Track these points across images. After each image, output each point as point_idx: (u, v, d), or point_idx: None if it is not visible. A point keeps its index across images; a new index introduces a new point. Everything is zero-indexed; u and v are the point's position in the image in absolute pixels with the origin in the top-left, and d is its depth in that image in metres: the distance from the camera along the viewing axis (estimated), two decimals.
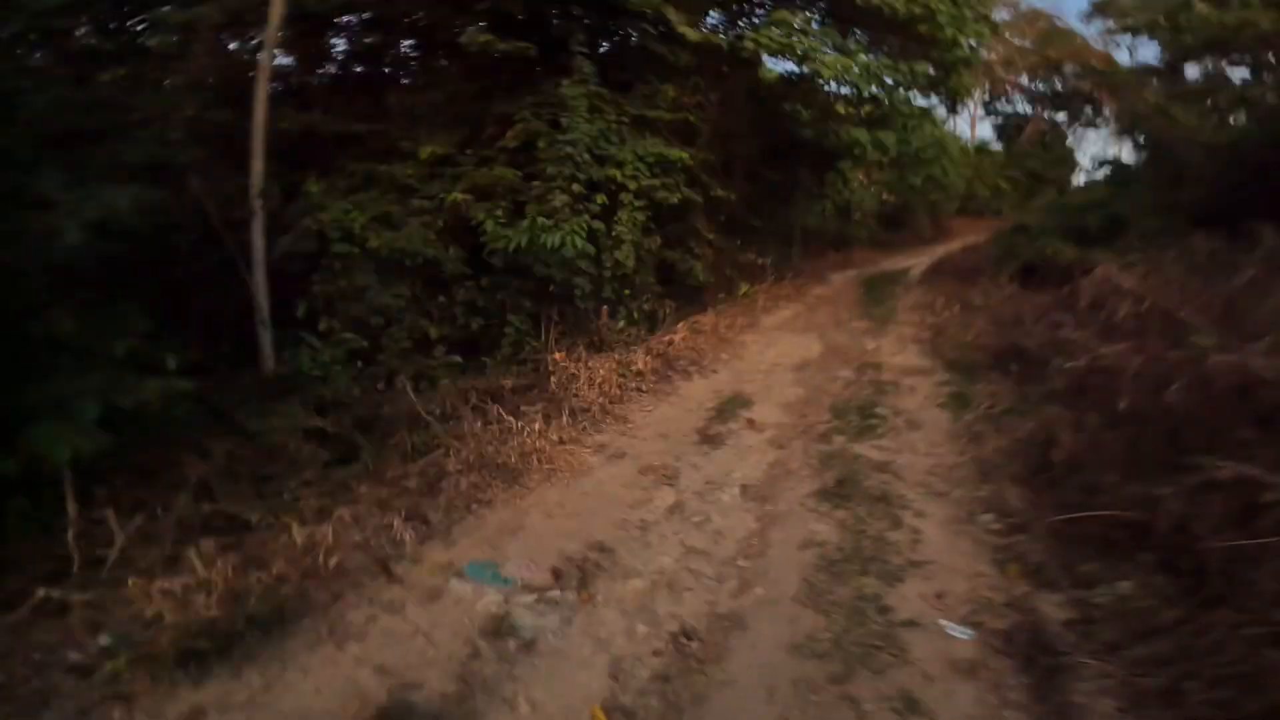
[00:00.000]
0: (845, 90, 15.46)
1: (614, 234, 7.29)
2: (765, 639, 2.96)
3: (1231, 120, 10.91)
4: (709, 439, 5.17)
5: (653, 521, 4.06)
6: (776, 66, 15.68)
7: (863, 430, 5.30)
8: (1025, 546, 3.61)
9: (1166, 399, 2.99)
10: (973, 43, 11.21)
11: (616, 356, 6.39)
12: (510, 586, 3.30)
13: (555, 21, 7.18)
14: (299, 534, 3.53)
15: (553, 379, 5.93)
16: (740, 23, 13.78)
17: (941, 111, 15.30)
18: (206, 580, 3.01)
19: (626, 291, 7.94)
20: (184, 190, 6.00)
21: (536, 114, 6.97)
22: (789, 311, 10.15)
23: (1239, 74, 12.28)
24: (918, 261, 21.65)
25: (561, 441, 4.94)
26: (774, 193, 16.42)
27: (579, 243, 6.12)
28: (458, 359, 6.75)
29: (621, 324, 7.51)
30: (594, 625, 3.04)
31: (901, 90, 10.03)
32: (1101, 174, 23.24)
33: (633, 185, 7.36)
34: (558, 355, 6.27)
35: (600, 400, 5.58)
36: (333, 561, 3.38)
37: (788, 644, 2.89)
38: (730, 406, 5.81)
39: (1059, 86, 38.24)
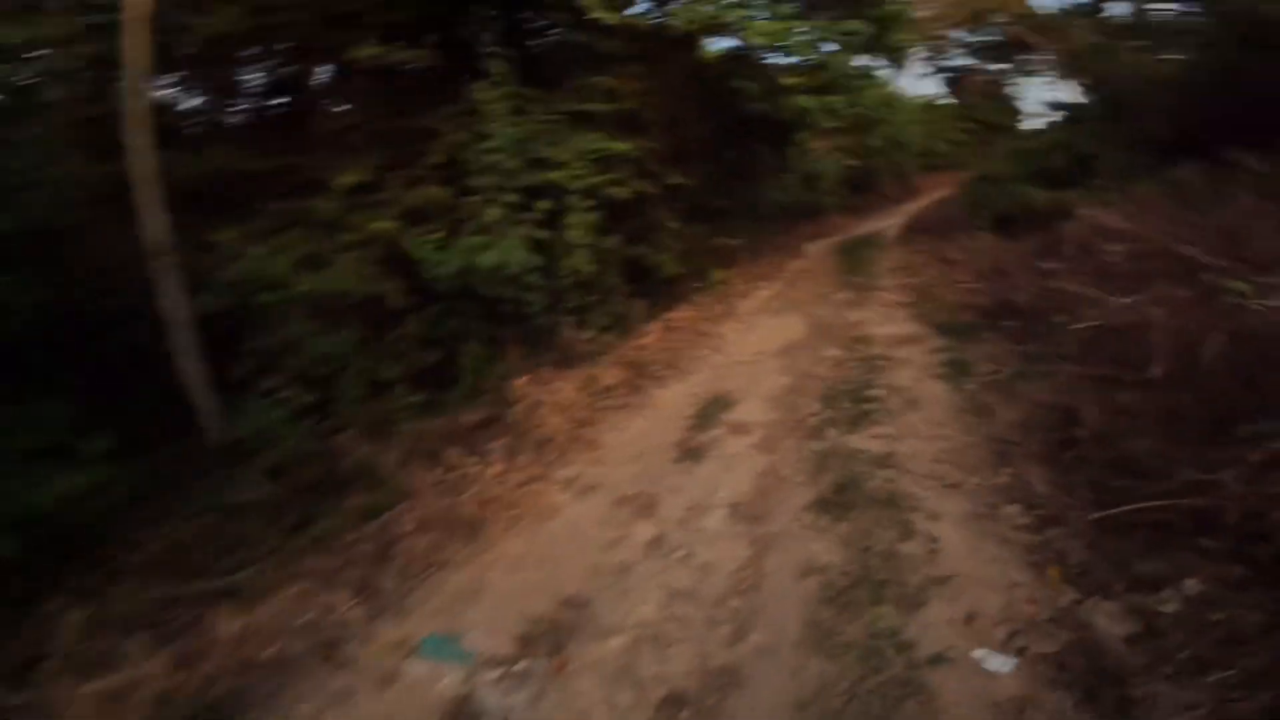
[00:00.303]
0: (788, 60, 15.09)
1: (566, 239, 6.75)
2: (767, 698, 2.54)
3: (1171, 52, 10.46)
4: (690, 453, 4.66)
5: (631, 563, 3.58)
6: (717, 45, 15.28)
7: (858, 418, 4.82)
8: (1064, 543, 3.14)
9: (1204, 359, 2.52)
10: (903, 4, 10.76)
11: (584, 373, 5.87)
12: (472, 662, 2.91)
13: (461, 25, 6.60)
14: (239, 620, 3.21)
15: (516, 408, 5.41)
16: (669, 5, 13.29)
17: (887, 72, 14.70)
18: (136, 680, 2.77)
19: (591, 298, 7.42)
20: (82, 256, 5.47)
21: (459, 125, 6.41)
22: (767, 292, 9.65)
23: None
24: (891, 222, 21.27)
25: (525, 481, 4.44)
26: (736, 172, 15.91)
27: (520, 256, 5.57)
28: (419, 398, 6.23)
29: (590, 333, 6.99)
30: (569, 698, 2.66)
31: (843, 53, 9.51)
32: (1050, 117, 23.13)
33: (578, 185, 6.81)
34: (520, 381, 5.75)
35: (567, 427, 5.06)
36: (275, 649, 3.05)
37: (794, 701, 2.48)
38: (711, 410, 5.30)
39: (990, 37, 38.17)
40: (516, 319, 6.28)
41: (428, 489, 4.47)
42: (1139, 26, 11.23)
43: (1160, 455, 2.68)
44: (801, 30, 8.29)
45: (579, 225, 6.81)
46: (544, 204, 6.37)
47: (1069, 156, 10.25)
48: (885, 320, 7.16)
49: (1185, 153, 9.36)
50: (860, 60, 10.55)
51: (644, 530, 3.87)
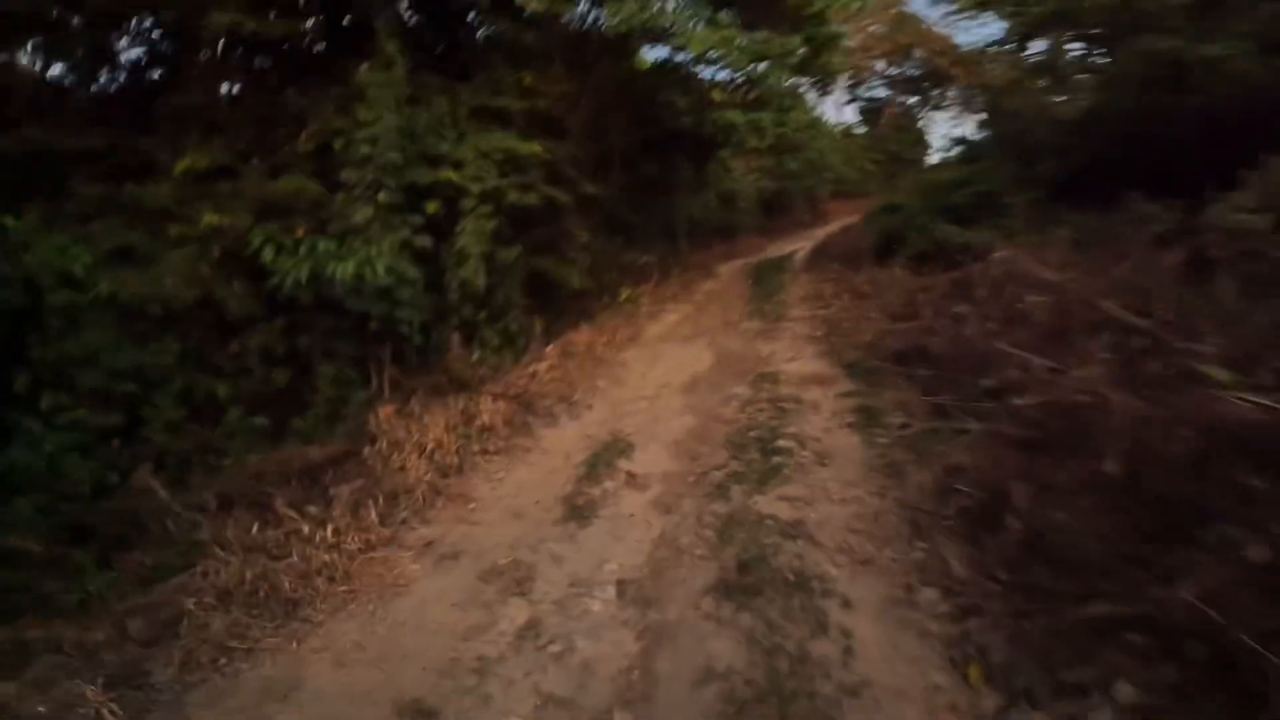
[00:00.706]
0: (721, 75, 14.93)
1: (459, 247, 5.98)
2: None
3: (1078, 93, 10.99)
4: (577, 512, 4.03)
5: (496, 658, 2.93)
6: (651, 55, 14.94)
7: (766, 474, 4.35)
8: (985, 637, 2.77)
9: (1169, 452, 2.18)
10: (840, 28, 10.76)
11: (462, 405, 5.10)
12: None
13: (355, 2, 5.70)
14: None
15: (376, 445, 4.58)
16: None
17: (814, 95, 14.84)
18: None
19: (482, 314, 6.66)
20: None
21: (340, 111, 5.51)
22: (676, 315, 9.20)
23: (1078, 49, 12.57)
24: (800, 245, 21.63)
25: (370, 545, 3.65)
26: (655, 186, 15.54)
27: (379, 269, 4.73)
28: (261, 421, 5.26)
29: (479, 354, 6.22)
30: None
31: (775, 72, 9.29)
32: (954, 152, 24.61)
33: (476, 188, 6.07)
34: (385, 410, 4.92)
35: (431, 474, 4.29)
36: None
37: None
38: (606, 456, 4.69)
39: (910, 71, 40.56)
40: (388, 337, 5.43)
41: (240, 546, 3.60)
42: (1048, 66, 11.70)
43: (1100, 550, 2.33)
44: (740, 43, 7.92)
45: (474, 232, 6.06)
46: (433, 206, 5.57)
47: (971, 193, 10.54)
48: (795, 355, 6.83)
49: (1085, 196, 9.78)
50: (791, 81, 10.36)
51: (515, 613, 3.21)
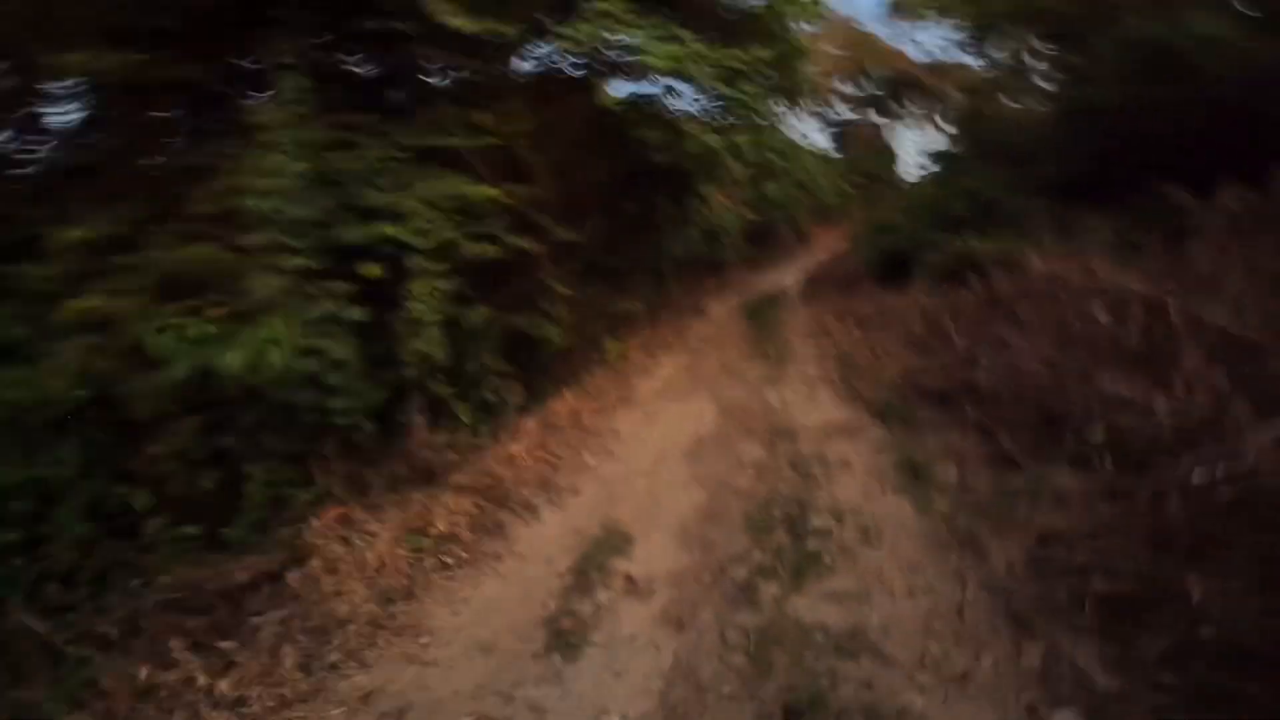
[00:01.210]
0: (693, 105, 14.48)
1: (410, 316, 5.14)
2: None
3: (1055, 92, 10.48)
4: (563, 639, 3.08)
5: None
6: (618, 90, 14.52)
7: (802, 564, 3.43)
8: None
9: None
10: (803, 26, 10.27)
11: (420, 505, 4.18)
12: None
13: (251, 34, 4.96)
14: None
15: (306, 565, 3.65)
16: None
17: (786, 115, 14.34)
18: None
19: (449, 389, 5.78)
20: None
21: (244, 162, 4.71)
22: (670, 365, 8.34)
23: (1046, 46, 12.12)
24: (790, 274, 21.04)
25: (283, 703, 2.70)
26: (635, 227, 14.89)
27: (282, 354, 3.84)
28: (194, 530, 4.32)
29: (446, 436, 5.32)
30: None
31: (748, 89, 8.69)
32: (931, 166, 24.42)
33: (424, 243, 5.26)
34: (322, 518, 4.00)
35: (372, 602, 3.34)
36: None
37: None
38: (598, 556, 3.76)
39: (871, 89, 41.01)
40: (332, 427, 4.54)
41: (131, 692, 2.66)
42: (1014, 67, 11.19)
43: None
44: (706, 55, 7.31)
45: (427, 295, 5.23)
46: (372, 269, 4.75)
47: (970, 201, 9.87)
48: (810, 402, 5.97)
49: (1092, 196, 9.12)
50: (766, 99, 9.77)
51: None
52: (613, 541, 3.90)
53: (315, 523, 3.96)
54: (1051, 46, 10.31)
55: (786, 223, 28.45)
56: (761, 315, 11.88)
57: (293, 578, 3.59)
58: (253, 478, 4.36)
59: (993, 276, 5.76)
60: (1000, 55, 12.53)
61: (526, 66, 11.71)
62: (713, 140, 8.77)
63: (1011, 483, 3.61)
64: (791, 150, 28.48)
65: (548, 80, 12.27)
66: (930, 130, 41.06)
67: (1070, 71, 9.71)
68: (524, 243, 7.38)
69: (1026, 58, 11.34)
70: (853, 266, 18.33)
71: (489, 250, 6.00)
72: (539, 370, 8.01)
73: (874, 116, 42.50)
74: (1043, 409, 3.81)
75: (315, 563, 3.60)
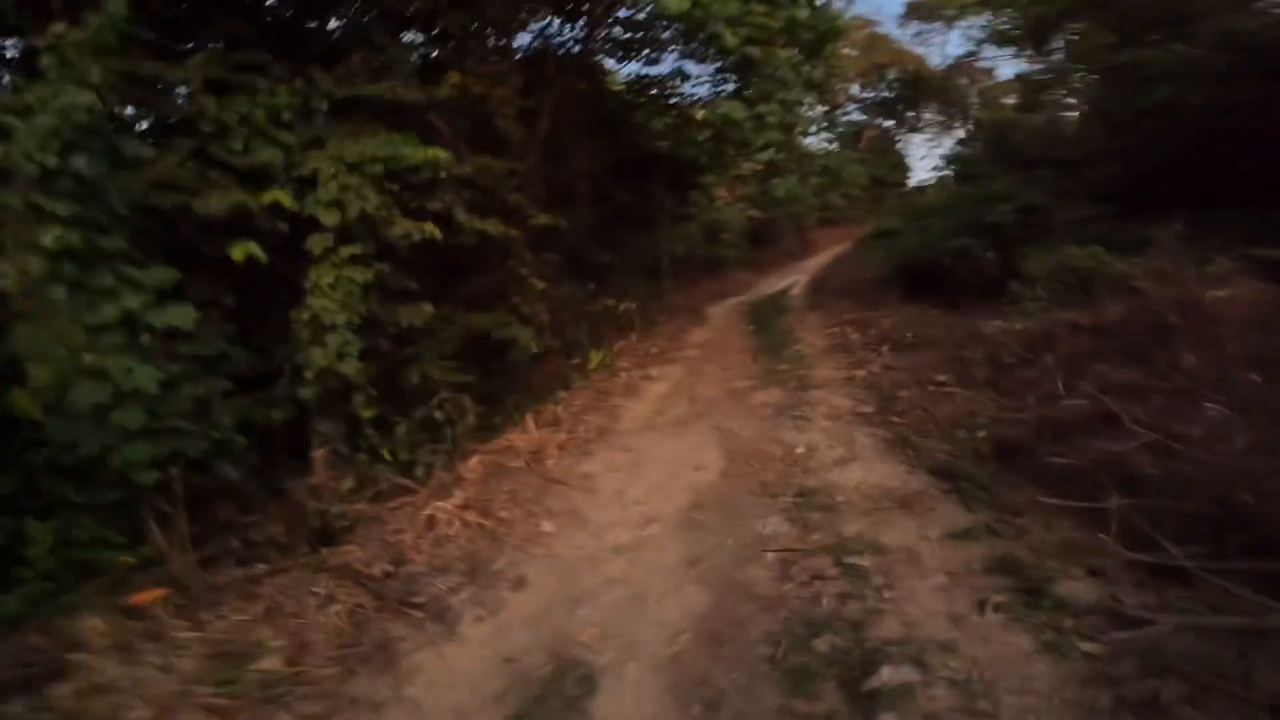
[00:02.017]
0: (703, 86, 13.06)
1: (307, 316, 3.73)
2: None
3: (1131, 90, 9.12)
4: None
5: None
6: (623, 71, 13.16)
7: None
8: None
9: None
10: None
11: (266, 601, 2.76)
12: None
13: None
14: None
15: (80, 673, 2.24)
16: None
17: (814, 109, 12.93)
18: None
19: (371, 411, 4.38)
20: None
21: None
22: (663, 383, 6.92)
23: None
24: (794, 279, 19.67)
25: None
26: (631, 218, 13.50)
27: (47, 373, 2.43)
28: None
29: (350, 484, 3.91)
30: None
31: (774, 58, 7.32)
32: (954, 170, 23.07)
33: (335, 218, 3.84)
34: (133, 598, 2.59)
35: None
36: None
37: None
38: (541, 715, 2.36)
39: (884, 93, 39.74)
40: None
41: None
42: (1073, 64, 9.81)
43: None
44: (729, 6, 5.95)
45: (337, 289, 3.82)
46: (241, 250, 3.33)
47: (1018, 210, 8.52)
48: (844, 449, 4.57)
49: (1152, 202, 7.79)
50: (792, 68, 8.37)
51: None
52: (564, 687, 2.50)
53: (110, 607, 2.54)
54: (1119, 43, 8.95)
55: (791, 224, 27.11)
56: (768, 324, 10.50)
57: (58, 692, 2.19)
58: (37, 534, 2.92)
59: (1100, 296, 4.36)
60: (1056, 52, 11.23)
61: (526, 39, 10.48)
62: (736, 110, 7.32)
63: (1190, 612, 2.25)
64: (802, 147, 27.20)
65: (547, 54, 10.96)
66: (944, 136, 40.00)
67: (1142, 69, 8.34)
68: (491, 226, 5.97)
69: (1084, 55, 9.89)
70: (863, 273, 17.02)
71: (431, 231, 4.57)
72: (503, 383, 6.61)
73: (884, 120, 41.38)
74: (1230, 501, 2.47)
75: (87, 673, 2.19)
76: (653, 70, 13.20)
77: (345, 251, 3.81)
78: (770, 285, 18.68)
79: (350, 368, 3.81)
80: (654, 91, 13.27)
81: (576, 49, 11.66)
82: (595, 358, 7.16)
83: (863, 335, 8.02)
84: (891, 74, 35.95)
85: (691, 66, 12.85)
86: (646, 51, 12.59)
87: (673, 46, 12.52)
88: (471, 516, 3.61)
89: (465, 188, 6.28)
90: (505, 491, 4.07)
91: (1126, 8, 8.91)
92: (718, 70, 12.68)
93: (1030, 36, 11.21)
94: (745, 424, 5.34)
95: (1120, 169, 8.26)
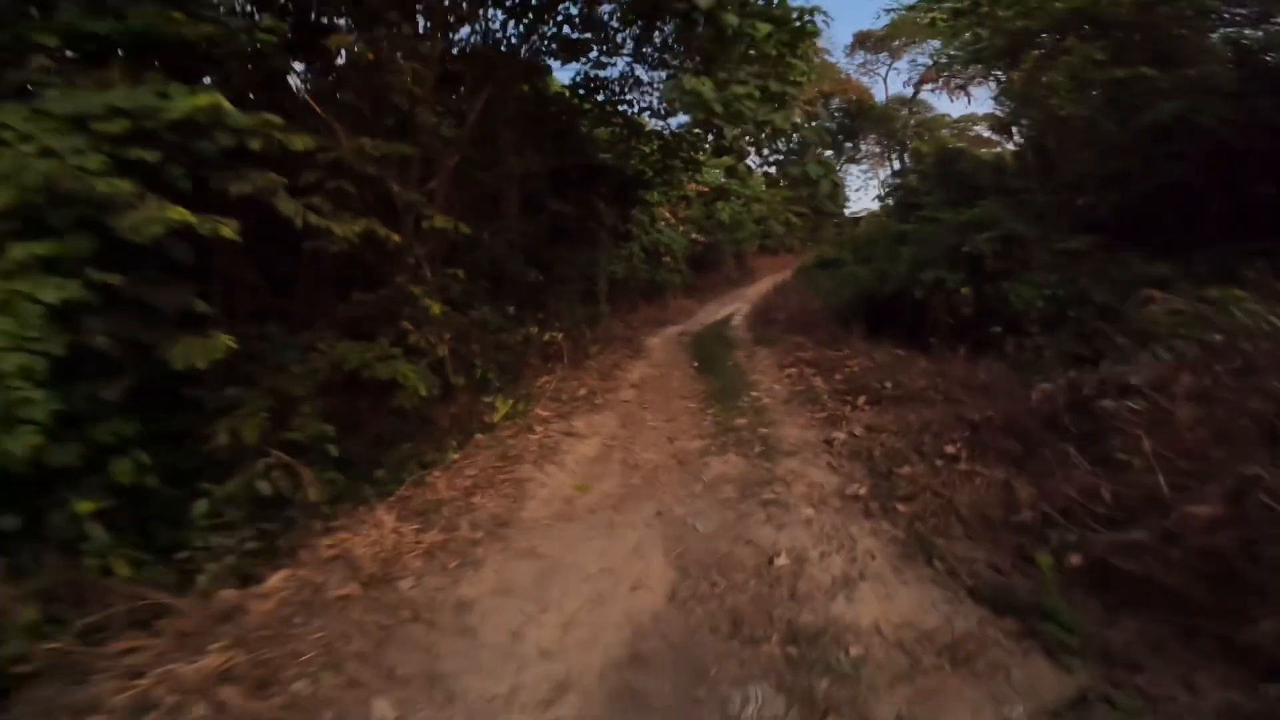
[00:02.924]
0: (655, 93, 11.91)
1: None
2: None
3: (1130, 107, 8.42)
4: None
5: None
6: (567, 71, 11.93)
7: None
8: None
9: None
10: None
11: None
12: None
13: None
14: None
15: None
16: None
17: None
18: None
19: (84, 506, 2.74)
20: None
21: None
22: (590, 443, 5.39)
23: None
24: (735, 307, 18.70)
25: None
26: (569, 233, 12.07)
27: None
28: None
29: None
30: None
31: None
32: (888, 198, 22.82)
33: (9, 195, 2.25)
34: None
35: None
36: None
37: None
38: None
39: (828, 123, 40.18)
40: None
41: None
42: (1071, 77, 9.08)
43: None
44: None
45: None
46: None
47: (995, 238, 7.60)
48: (844, 558, 3.23)
49: (1152, 234, 7.00)
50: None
51: None
52: None
53: None
54: (1112, 60, 8.25)
55: (732, 250, 26.32)
56: (714, 360, 9.23)
57: None
58: None
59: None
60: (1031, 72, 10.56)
61: (464, 32, 9.11)
62: (700, 85, 6.06)
63: None
64: (745, 170, 26.62)
65: (485, 49, 9.62)
66: (880, 168, 40.66)
67: (1142, 85, 7.59)
68: (356, 227, 4.43)
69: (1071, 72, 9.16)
70: (809, 303, 16.18)
71: (215, 229, 2.99)
72: (379, 441, 5.00)
73: (824, 150, 41.79)
74: None
75: None
76: (601, 73, 11.95)
77: (18, 252, 2.21)
78: (711, 313, 17.61)
79: (21, 442, 2.21)
80: (600, 97, 12.02)
81: (518, 44, 10.35)
82: (504, 406, 5.63)
83: (828, 381, 6.83)
84: (835, 103, 36.33)
85: (643, 72, 11.74)
86: (595, 54, 11.40)
87: (625, 51, 11.39)
88: (232, 696, 2.04)
89: (339, 175, 4.73)
90: (313, 641, 2.49)
91: (1122, 21, 8.24)
92: (671, 76, 11.64)
93: (1004, 54, 10.57)
94: (701, 510, 3.93)
95: (1114, 195, 7.46)
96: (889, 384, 5.98)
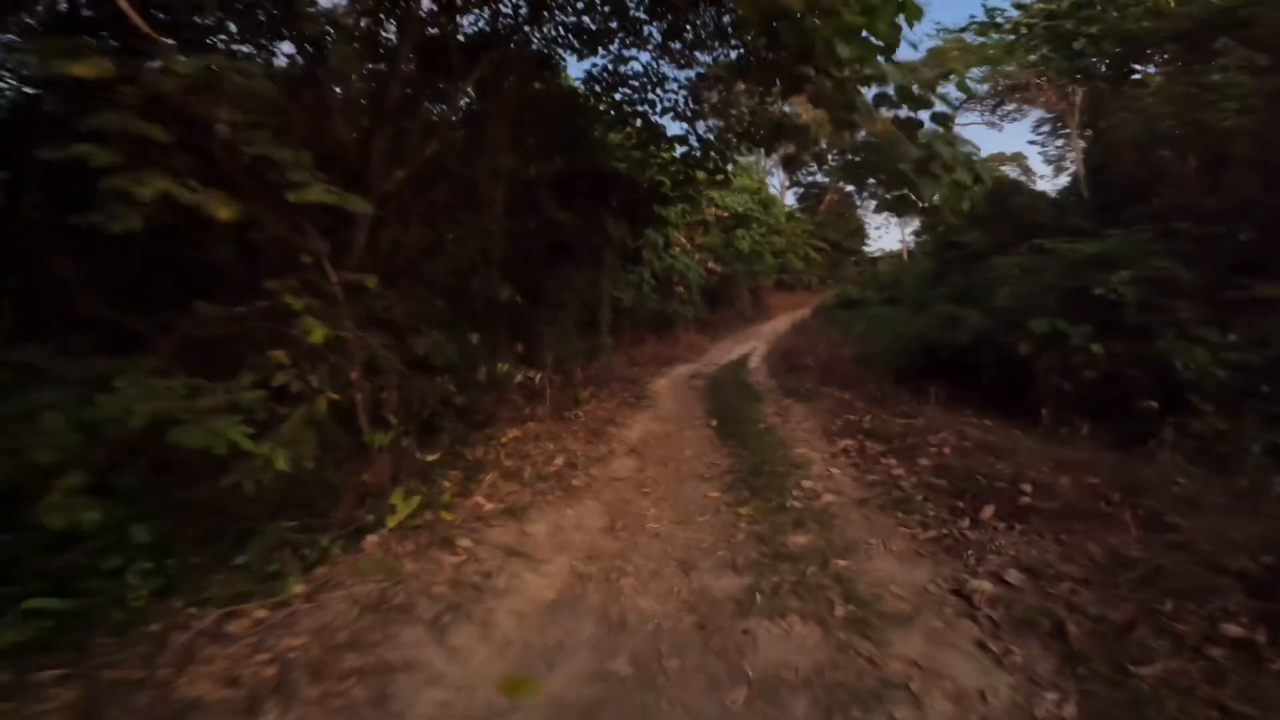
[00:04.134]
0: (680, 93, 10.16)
1: None
2: None
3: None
4: None
5: None
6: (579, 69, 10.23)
7: None
8: None
9: None
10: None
11: None
12: None
13: None
14: None
15: None
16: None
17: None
18: None
19: None
20: None
21: None
22: (551, 568, 3.25)
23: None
24: (750, 346, 16.71)
25: None
26: (570, 248, 10.10)
27: None
28: None
29: None
30: None
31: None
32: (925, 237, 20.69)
33: None
34: None
35: None
36: None
37: None
38: None
39: (853, 156, 38.61)
40: None
41: None
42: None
43: None
44: None
45: None
46: None
47: (1137, 281, 5.51)
48: None
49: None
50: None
51: None
52: None
53: None
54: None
55: (747, 282, 24.35)
56: (739, 414, 7.16)
57: None
58: None
59: None
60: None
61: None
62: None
63: None
64: (769, 197, 24.88)
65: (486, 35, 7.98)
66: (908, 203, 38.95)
67: None
68: (147, 187, 2.44)
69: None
70: (835, 349, 14.16)
71: None
72: (196, 539, 2.96)
73: (845, 185, 40.20)
74: None
75: None
76: (621, 69, 10.19)
77: None
78: (725, 352, 15.62)
79: None
80: (618, 95, 10.23)
81: (528, 31, 8.67)
82: (402, 504, 3.50)
83: (909, 467, 4.77)
84: (861, 135, 34.81)
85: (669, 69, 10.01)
86: (616, 47, 9.71)
87: (650, 45, 9.65)
88: None
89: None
90: None
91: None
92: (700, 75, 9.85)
93: (1118, 61, 8.69)
94: None
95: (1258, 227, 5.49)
96: (1025, 485, 3.91)
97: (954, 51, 17.06)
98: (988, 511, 3.70)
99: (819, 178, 38.44)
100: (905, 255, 32.58)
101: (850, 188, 39.12)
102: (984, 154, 31.34)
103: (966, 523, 3.65)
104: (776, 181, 34.40)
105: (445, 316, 5.79)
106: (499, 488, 4.15)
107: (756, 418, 7.06)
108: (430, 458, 4.62)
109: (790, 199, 36.00)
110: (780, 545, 3.49)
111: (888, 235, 72.84)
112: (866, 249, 38.63)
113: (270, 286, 3.46)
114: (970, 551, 3.26)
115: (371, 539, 3.28)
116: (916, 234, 28.40)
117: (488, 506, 3.81)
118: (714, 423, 6.77)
